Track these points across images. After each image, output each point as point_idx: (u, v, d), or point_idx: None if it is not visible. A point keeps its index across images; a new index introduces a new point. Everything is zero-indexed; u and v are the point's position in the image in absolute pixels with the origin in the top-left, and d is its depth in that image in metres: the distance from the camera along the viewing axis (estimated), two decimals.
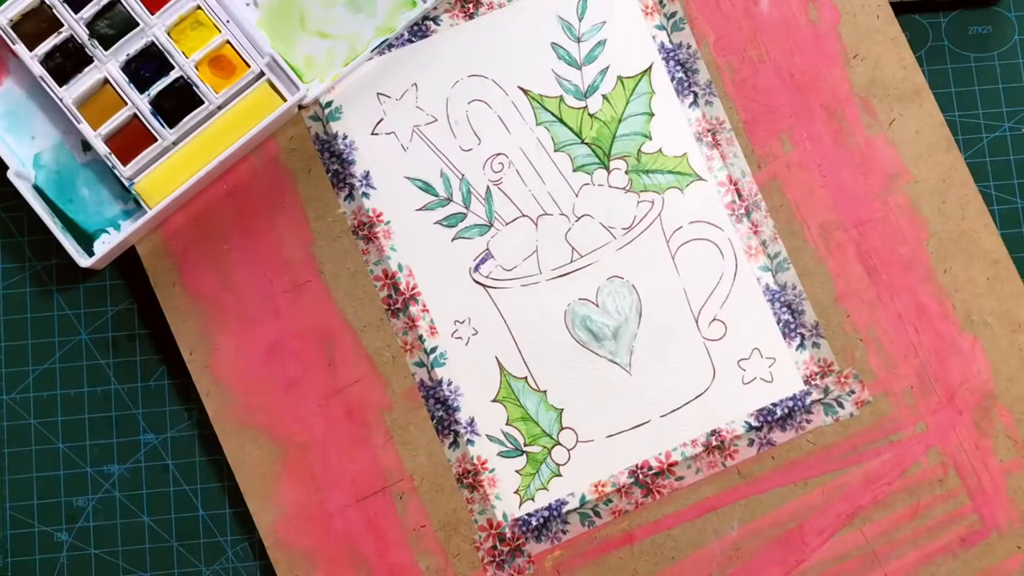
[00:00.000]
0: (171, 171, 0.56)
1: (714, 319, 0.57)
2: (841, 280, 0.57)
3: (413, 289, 0.57)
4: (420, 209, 0.58)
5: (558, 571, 0.56)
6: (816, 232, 0.57)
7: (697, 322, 0.57)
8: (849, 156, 0.57)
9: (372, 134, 0.58)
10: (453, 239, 0.58)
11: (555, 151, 0.58)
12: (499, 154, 0.58)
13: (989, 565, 0.56)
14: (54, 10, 0.56)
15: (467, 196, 0.58)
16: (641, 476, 0.56)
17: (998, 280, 0.57)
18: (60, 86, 0.56)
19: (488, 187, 0.58)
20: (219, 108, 0.56)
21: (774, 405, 0.57)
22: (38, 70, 0.56)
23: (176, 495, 0.59)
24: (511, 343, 0.57)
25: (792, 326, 0.57)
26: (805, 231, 0.57)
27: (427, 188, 0.58)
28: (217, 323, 0.57)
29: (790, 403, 0.57)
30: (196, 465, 0.59)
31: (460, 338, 0.57)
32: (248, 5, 0.58)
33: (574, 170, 0.58)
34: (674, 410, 0.57)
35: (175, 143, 0.56)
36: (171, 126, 0.56)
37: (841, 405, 0.56)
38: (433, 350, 0.57)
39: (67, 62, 0.56)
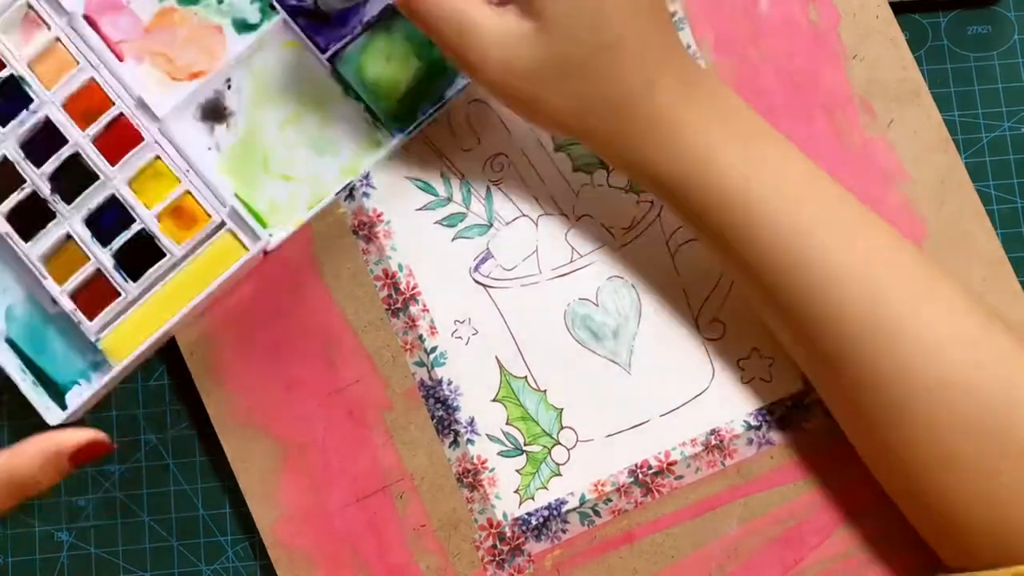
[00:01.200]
0: (137, 324, 0.55)
1: (713, 319, 0.57)
2: None
3: (413, 289, 0.58)
4: (420, 209, 0.58)
5: (558, 570, 0.56)
6: None
7: (696, 321, 0.57)
8: (848, 157, 0.58)
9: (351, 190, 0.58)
10: (453, 239, 0.58)
11: (555, 151, 0.58)
12: (499, 154, 0.58)
13: None
14: (16, 167, 0.56)
15: (467, 196, 0.58)
16: (641, 475, 0.57)
17: (995, 281, 0.57)
18: (25, 242, 0.56)
19: (488, 187, 0.58)
20: (182, 259, 0.56)
21: (773, 404, 0.57)
22: (3, 227, 0.56)
23: (176, 494, 0.59)
24: (511, 343, 0.57)
25: None
26: None
27: (427, 188, 0.58)
28: (217, 323, 0.57)
29: (789, 402, 0.57)
30: (196, 464, 0.59)
31: (460, 338, 0.57)
32: (210, 149, 0.57)
33: (574, 170, 0.58)
34: (673, 409, 0.57)
35: (140, 295, 0.56)
36: (135, 279, 0.55)
37: None
38: (433, 350, 0.57)
39: (31, 217, 0.56)
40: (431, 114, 0.57)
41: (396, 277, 0.58)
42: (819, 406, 0.56)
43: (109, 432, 0.57)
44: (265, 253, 0.57)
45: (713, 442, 0.57)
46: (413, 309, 0.58)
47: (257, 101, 0.57)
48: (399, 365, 0.57)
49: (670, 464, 0.57)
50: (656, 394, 0.57)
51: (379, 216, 0.58)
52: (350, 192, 0.58)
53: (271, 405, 0.57)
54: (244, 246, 0.56)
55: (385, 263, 0.58)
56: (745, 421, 0.57)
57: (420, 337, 0.57)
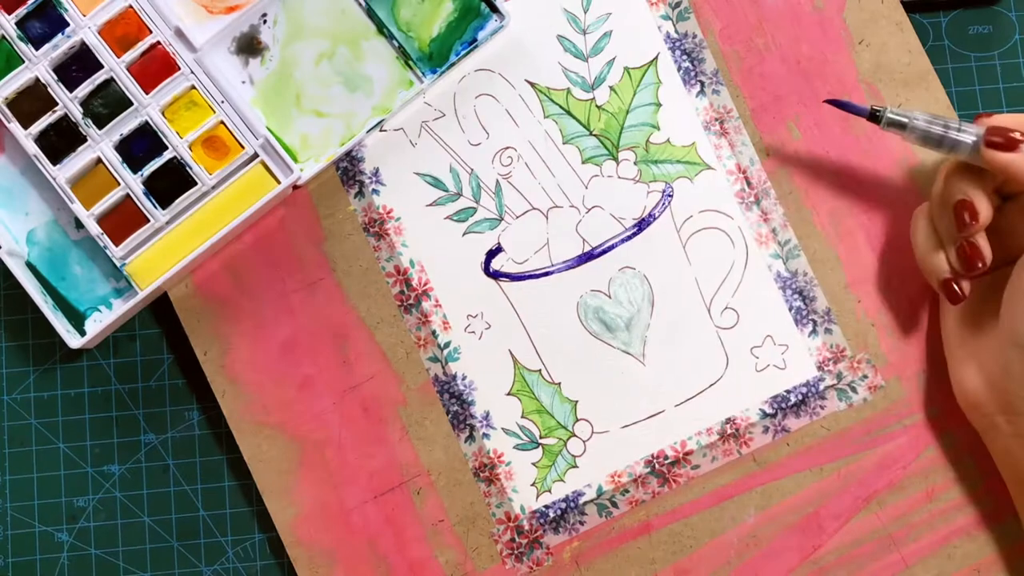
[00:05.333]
0: (163, 252, 0.56)
1: (726, 307, 0.57)
2: (852, 266, 0.57)
3: (425, 284, 0.57)
4: (430, 204, 0.58)
5: (576, 562, 0.56)
6: (826, 218, 0.57)
7: (709, 311, 0.57)
8: (857, 142, 0.58)
9: (380, 130, 0.58)
10: (464, 233, 0.58)
11: (564, 143, 0.58)
12: (508, 148, 0.58)
13: (1006, 547, 0.56)
14: (49, 89, 0.56)
15: (477, 190, 0.58)
16: (657, 465, 0.57)
17: None
18: (54, 164, 0.56)
19: (498, 181, 0.58)
20: (213, 189, 0.56)
21: (788, 392, 0.57)
22: (32, 148, 0.56)
23: (176, 495, 0.58)
24: (524, 336, 0.57)
25: (804, 313, 0.57)
26: (815, 217, 0.57)
27: (437, 183, 0.58)
28: (231, 323, 0.57)
29: (804, 389, 0.57)
30: (197, 465, 0.59)
31: (473, 332, 0.57)
32: (244, 83, 0.58)
33: (583, 162, 0.58)
34: (688, 399, 0.57)
35: (168, 223, 0.56)
36: (164, 207, 0.56)
37: (854, 390, 0.57)
38: (447, 345, 0.57)
39: (61, 140, 0.56)
40: (463, 55, 0.57)
41: (408, 273, 0.58)
42: (834, 391, 0.57)
43: (109, 432, 0.57)
44: (295, 187, 0.57)
45: (729, 431, 0.57)
46: (426, 305, 0.57)
47: (292, 37, 0.58)
48: (413, 361, 0.57)
49: (686, 454, 0.57)
50: (671, 384, 0.57)
51: (389, 213, 0.58)
52: (360, 189, 0.58)
53: (286, 403, 0.57)
54: (276, 178, 0.56)
55: (397, 259, 0.58)
56: (760, 409, 0.57)
57: (433, 332, 0.57)
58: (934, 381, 0.57)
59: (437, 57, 0.58)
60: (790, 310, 0.57)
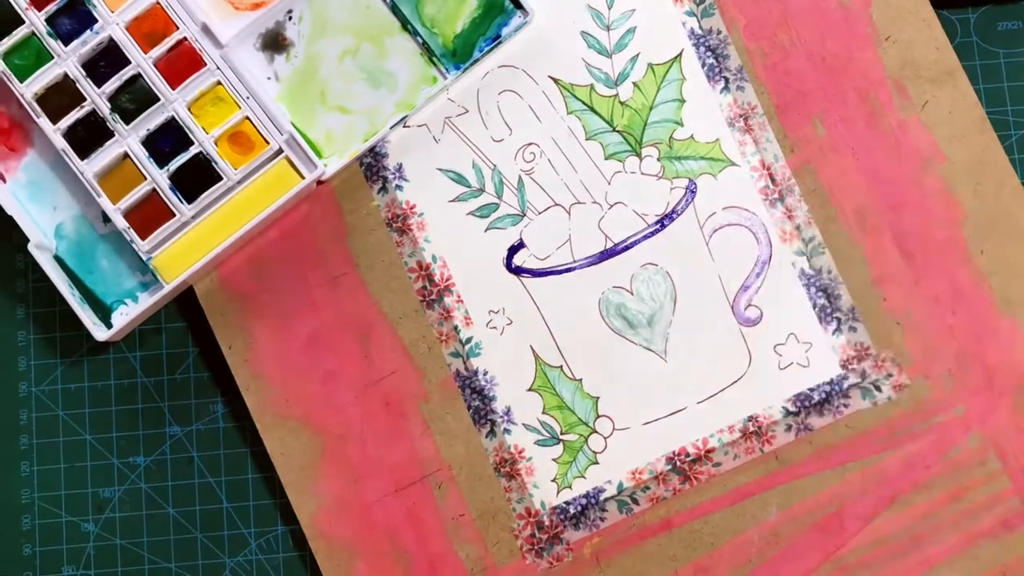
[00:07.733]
0: (189, 246, 0.56)
1: (749, 304, 0.57)
2: (877, 264, 0.57)
3: (447, 280, 0.58)
4: (453, 200, 0.58)
5: (597, 558, 0.56)
6: (851, 216, 0.57)
7: (732, 308, 0.57)
8: (882, 139, 0.57)
9: (404, 126, 0.58)
10: (486, 229, 0.58)
11: (586, 140, 0.58)
12: (531, 144, 0.58)
13: None
14: (77, 84, 0.56)
15: (499, 186, 0.58)
16: (678, 463, 0.56)
17: None
18: (81, 159, 0.56)
19: (520, 177, 0.58)
20: (238, 184, 0.57)
21: (811, 390, 0.56)
22: (60, 143, 0.56)
23: (201, 487, 0.59)
24: (546, 332, 0.57)
25: (828, 310, 0.57)
26: (839, 215, 0.57)
27: (460, 179, 0.58)
28: (255, 317, 0.58)
29: (827, 388, 0.56)
30: (221, 457, 0.59)
31: (495, 328, 0.57)
32: (269, 79, 0.58)
33: (606, 158, 0.58)
34: (710, 396, 0.57)
35: (194, 218, 0.57)
36: (190, 201, 0.56)
37: (879, 389, 0.56)
38: (468, 340, 0.57)
39: (89, 135, 0.57)
40: (487, 51, 0.57)
41: (430, 269, 0.58)
42: (858, 390, 0.56)
43: (134, 424, 0.58)
44: (319, 183, 0.58)
45: (751, 429, 0.56)
46: (447, 300, 0.57)
47: (317, 33, 0.58)
48: (435, 356, 0.57)
49: (708, 451, 0.56)
50: (693, 381, 0.57)
51: (412, 208, 0.58)
52: (383, 184, 0.58)
53: (309, 397, 0.57)
54: (300, 174, 0.57)
55: (419, 255, 0.58)
56: (783, 407, 0.56)
57: (455, 328, 0.57)
58: (960, 380, 0.56)
59: (461, 53, 0.58)
60: (814, 308, 0.57)
